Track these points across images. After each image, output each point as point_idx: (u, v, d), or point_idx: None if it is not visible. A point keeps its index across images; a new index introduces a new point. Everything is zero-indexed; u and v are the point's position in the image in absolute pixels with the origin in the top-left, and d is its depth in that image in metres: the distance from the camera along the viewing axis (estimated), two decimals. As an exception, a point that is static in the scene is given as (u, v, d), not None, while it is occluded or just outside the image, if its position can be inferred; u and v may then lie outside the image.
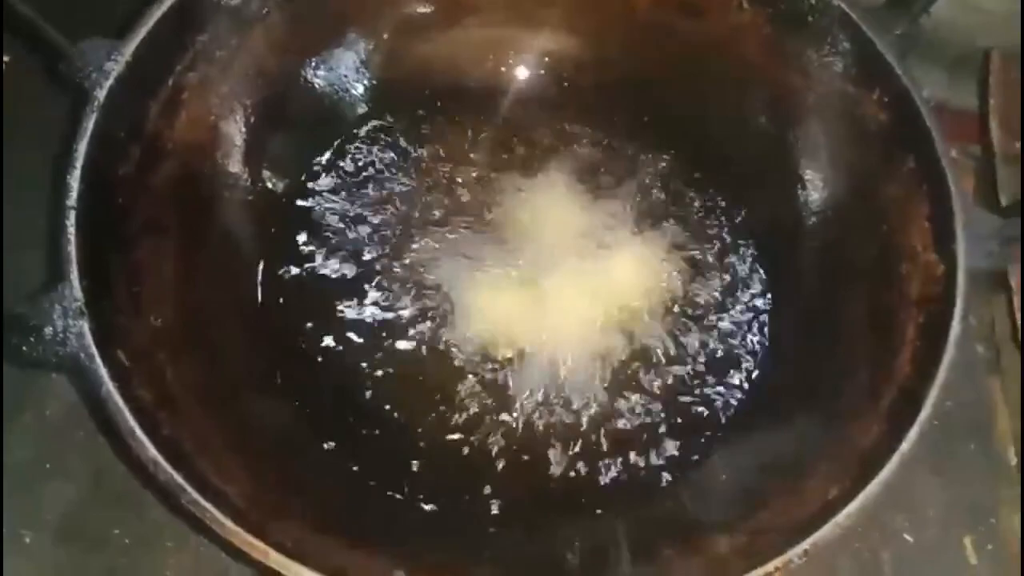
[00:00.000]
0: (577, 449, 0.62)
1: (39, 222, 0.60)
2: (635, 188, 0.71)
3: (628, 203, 0.70)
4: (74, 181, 0.52)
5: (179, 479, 0.45)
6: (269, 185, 0.67)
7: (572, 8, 0.71)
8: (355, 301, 0.65)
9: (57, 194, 0.52)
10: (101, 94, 0.54)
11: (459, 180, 0.70)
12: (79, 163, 0.52)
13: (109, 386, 0.47)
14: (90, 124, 0.53)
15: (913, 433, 0.49)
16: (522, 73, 0.74)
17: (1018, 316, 0.69)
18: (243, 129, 0.65)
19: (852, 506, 0.46)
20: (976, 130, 0.81)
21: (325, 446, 0.60)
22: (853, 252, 0.61)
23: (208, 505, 0.45)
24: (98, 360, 0.47)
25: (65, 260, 0.50)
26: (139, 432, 0.46)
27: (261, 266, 0.66)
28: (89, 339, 0.48)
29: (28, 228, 0.61)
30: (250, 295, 0.65)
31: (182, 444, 0.49)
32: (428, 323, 0.65)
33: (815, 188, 0.65)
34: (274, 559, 0.44)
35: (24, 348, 0.48)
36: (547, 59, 0.74)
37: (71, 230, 0.50)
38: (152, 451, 0.46)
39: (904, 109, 0.58)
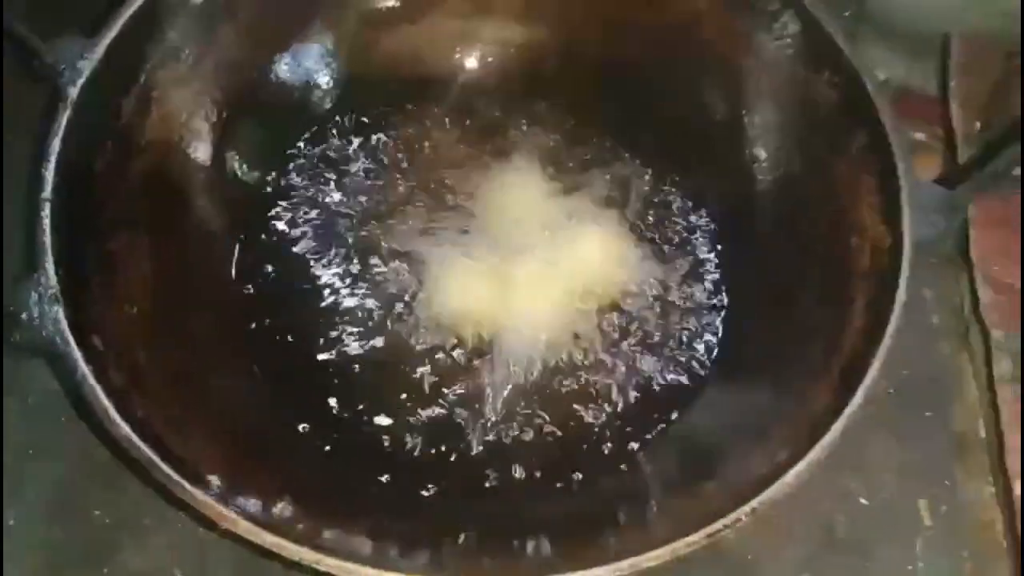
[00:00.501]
0: (545, 425, 0.64)
1: (19, 214, 0.62)
2: (598, 173, 0.73)
3: (592, 188, 0.72)
4: (48, 174, 0.54)
5: (151, 454, 0.47)
6: (241, 176, 0.69)
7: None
8: (326, 286, 0.67)
9: (33, 187, 0.54)
10: (74, 91, 0.56)
11: (427, 169, 0.72)
12: (53, 157, 0.54)
13: (84, 369, 0.49)
14: (64, 120, 0.55)
15: (859, 396, 0.50)
16: (487, 63, 0.76)
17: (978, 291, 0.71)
18: (214, 123, 0.67)
19: (799, 466, 0.48)
20: (938, 113, 0.83)
21: (299, 428, 0.62)
22: (807, 228, 0.63)
23: (178, 478, 0.47)
24: (73, 345, 0.49)
25: (40, 249, 0.52)
26: (113, 412, 0.48)
27: (234, 256, 0.68)
28: (64, 325, 0.50)
29: (9, 221, 0.63)
30: (223, 283, 0.67)
31: (155, 425, 0.50)
32: (399, 306, 0.66)
33: (770, 168, 0.67)
34: (243, 527, 0.46)
35: (3, 333, 0.50)
36: (511, 50, 0.75)
37: (46, 221, 0.52)
38: (126, 429, 0.48)
39: (853, 88, 0.59)
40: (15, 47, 0.58)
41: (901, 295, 0.53)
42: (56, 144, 0.55)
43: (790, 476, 0.48)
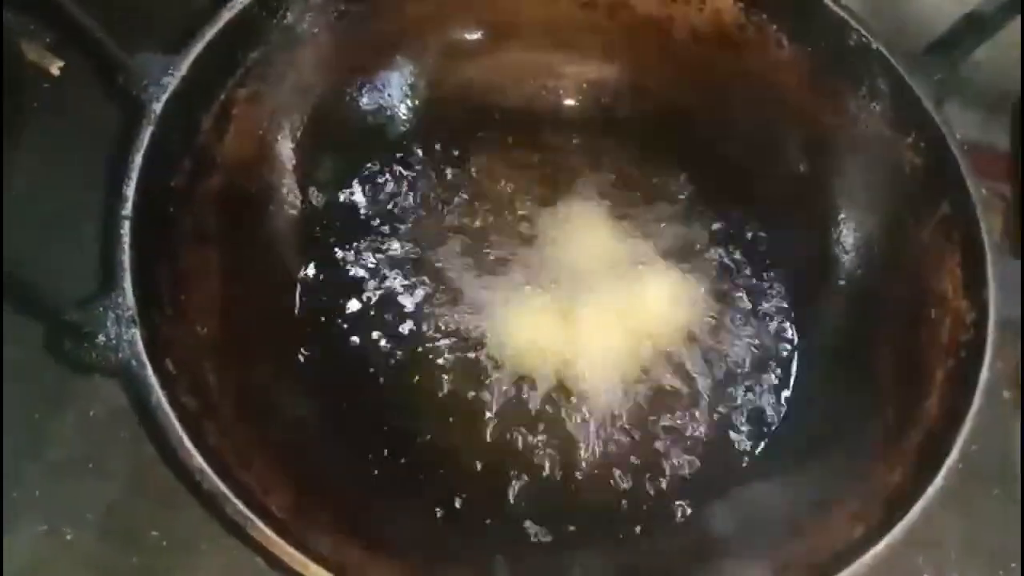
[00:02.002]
0: (599, 473, 0.63)
1: (88, 227, 0.62)
2: (667, 218, 0.72)
3: (660, 233, 0.71)
4: (130, 192, 0.53)
5: (224, 489, 0.47)
6: (311, 198, 0.69)
7: (613, 36, 0.72)
8: (390, 314, 0.67)
9: (110, 203, 0.53)
10: (158, 107, 0.56)
11: (496, 200, 0.72)
12: (135, 175, 0.54)
13: (159, 394, 0.48)
14: (146, 137, 0.55)
15: (939, 478, 0.50)
16: (560, 98, 0.75)
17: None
18: (288, 143, 0.66)
19: (879, 546, 0.47)
20: (1006, 170, 0.82)
21: (360, 459, 0.62)
22: (883, 293, 0.62)
23: (252, 516, 0.46)
24: (148, 368, 0.49)
25: (119, 269, 0.51)
26: (187, 442, 0.48)
27: (300, 276, 0.67)
28: (141, 347, 0.49)
29: (79, 233, 0.63)
30: (288, 305, 0.66)
31: (225, 453, 0.50)
32: (465, 341, 0.66)
33: (847, 227, 0.66)
34: (313, 571, 0.46)
35: (78, 354, 0.49)
36: (585, 85, 0.75)
37: (126, 240, 0.52)
38: (199, 460, 0.47)
39: (939, 155, 0.59)
40: (98, 60, 0.58)
41: (985, 375, 0.52)
42: (138, 161, 0.54)
43: (868, 556, 0.47)
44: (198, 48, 0.58)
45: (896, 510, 0.49)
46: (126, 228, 0.52)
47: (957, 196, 0.58)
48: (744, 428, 0.65)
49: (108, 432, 0.59)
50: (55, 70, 0.73)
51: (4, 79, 0.68)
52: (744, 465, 0.64)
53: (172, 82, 0.56)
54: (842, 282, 0.66)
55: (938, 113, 0.60)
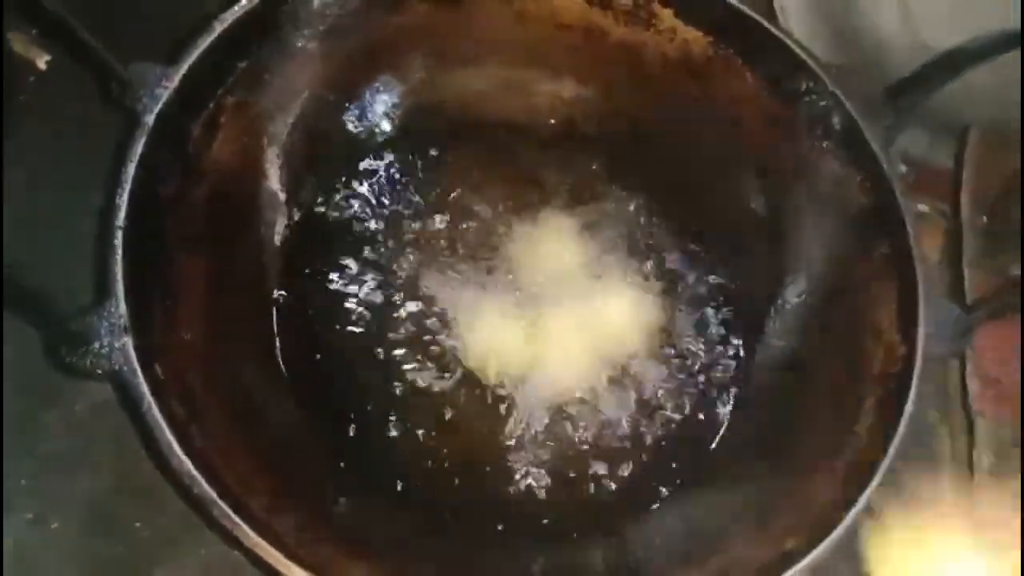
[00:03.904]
0: (555, 474, 0.68)
1: (78, 225, 0.63)
2: (628, 234, 0.76)
3: (622, 248, 0.75)
4: (123, 202, 0.56)
5: (211, 493, 0.50)
6: (294, 204, 0.71)
7: (587, 58, 0.75)
8: (367, 319, 0.70)
9: (105, 213, 0.55)
10: (151, 118, 0.58)
11: (469, 212, 0.75)
12: (128, 185, 0.56)
13: (150, 400, 0.52)
14: (139, 147, 0.57)
15: (864, 497, 0.55)
16: (535, 114, 0.78)
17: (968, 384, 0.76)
18: (274, 151, 0.69)
19: (806, 560, 0.53)
20: (948, 189, 0.87)
21: (341, 458, 0.65)
22: (824, 319, 0.67)
23: (237, 519, 0.50)
24: (140, 376, 0.52)
25: (112, 279, 0.54)
26: (177, 447, 0.51)
27: (282, 282, 0.70)
28: (133, 355, 0.52)
29: (68, 231, 0.64)
30: (271, 311, 0.69)
31: (212, 457, 0.53)
32: (431, 345, 0.70)
33: (795, 255, 0.70)
34: (293, 572, 0.50)
35: (74, 361, 0.52)
36: (558, 103, 0.78)
37: (119, 249, 0.54)
38: (188, 465, 0.51)
39: (884, 198, 0.63)
40: (91, 67, 0.59)
41: (909, 408, 0.57)
42: (131, 171, 0.56)
43: (794, 571, 0.53)
44: (193, 58, 0.60)
45: (825, 525, 0.54)
46: (119, 238, 0.55)
47: (897, 238, 0.62)
48: (689, 437, 0.70)
49: (94, 426, 0.62)
50: (42, 64, 0.73)
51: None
52: (687, 471, 0.69)
53: (166, 92, 0.59)
54: (788, 306, 0.71)
55: (886, 156, 0.64)
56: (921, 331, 0.59)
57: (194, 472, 0.51)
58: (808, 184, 0.69)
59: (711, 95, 0.73)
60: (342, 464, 0.65)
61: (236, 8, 0.61)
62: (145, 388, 0.52)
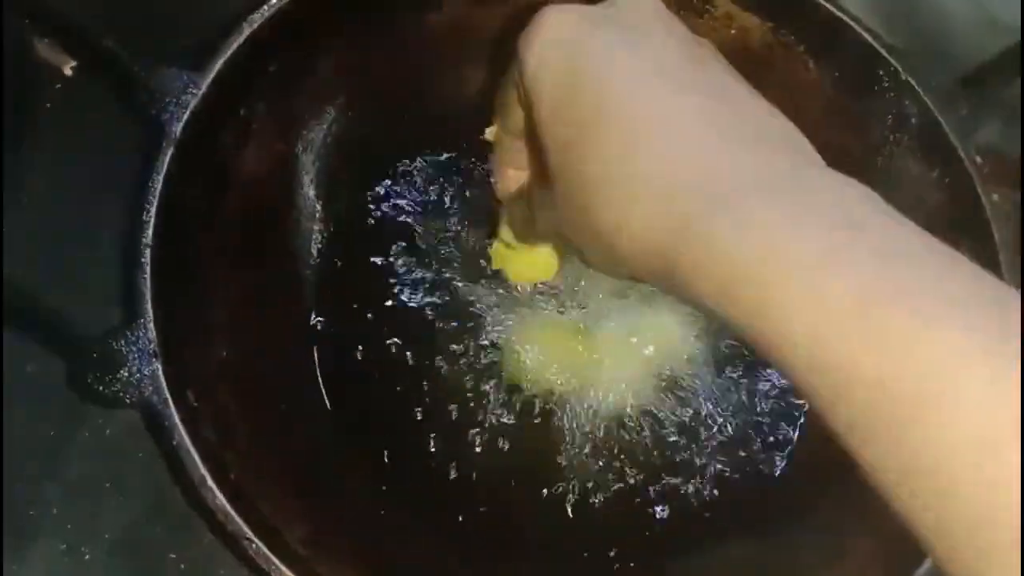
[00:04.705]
0: (608, 498, 0.64)
1: (104, 239, 0.61)
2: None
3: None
4: (151, 217, 0.53)
5: (246, 529, 0.47)
6: (331, 214, 0.68)
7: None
8: (408, 332, 0.66)
9: (132, 229, 0.53)
10: (178, 128, 0.55)
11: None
12: (155, 199, 0.53)
13: (182, 432, 0.49)
14: (167, 159, 0.54)
15: None
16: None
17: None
18: (308, 157, 0.65)
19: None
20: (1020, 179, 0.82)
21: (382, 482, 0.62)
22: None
23: (273, 558, 0.47)
24: (172, 406, 0.49)
25: (141, 299, 0.51)
26: (210, 481, 0.48)
27: (319, 298, 0.67)
28: (163, 382, 0.49)
29: (95, 245, 0.61)
30: (304, 323, 0.66)
31: (246, 487, 0.50)
32: (477, 357, 0.66)
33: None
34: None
35: (100, 389, 0.49)
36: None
37: (148, 268, 0.52)
38: (222, 500, 0.48)
39: (965, 194, 0.59)
40: (114, 75, 0.57)
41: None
42: (159, 184, 0.54)
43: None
44: (219, 64, 0.57)
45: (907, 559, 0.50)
46: (147, 256, 0.52)
47: (978, 236, 0.58)
48: (752, 463, 0.66)
49: (124, 450, 0.59)
50: (68, 70, 0.71)
51: (9, 78, 0.66)
52: (739, 513, 0.64)
53: (193, 101, 0.56)
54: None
55: (965, 150, 0.59)
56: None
57: (228, 508, 0.48)
58: (878, 180, 0.64)
59: (771, 84, 0.68)
60: (384, 489, 0.62)
61: (265, 8, 0.58)
62: (177, 419, 0.49)
